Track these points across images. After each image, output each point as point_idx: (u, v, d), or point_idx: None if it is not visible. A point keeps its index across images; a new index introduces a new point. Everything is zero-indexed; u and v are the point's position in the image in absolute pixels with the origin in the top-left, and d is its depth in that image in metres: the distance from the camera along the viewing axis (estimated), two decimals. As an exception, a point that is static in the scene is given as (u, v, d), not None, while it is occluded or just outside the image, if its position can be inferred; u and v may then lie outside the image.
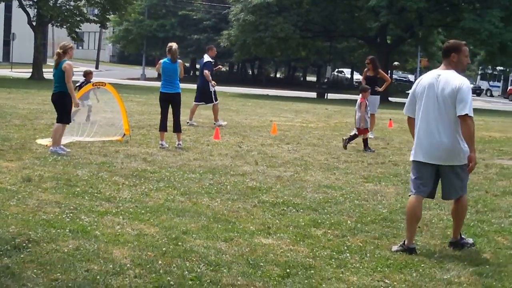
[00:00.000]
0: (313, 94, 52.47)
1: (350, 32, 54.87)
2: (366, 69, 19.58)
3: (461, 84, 7.43)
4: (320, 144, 17.22)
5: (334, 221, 8.64)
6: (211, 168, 12.18)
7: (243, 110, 28.63)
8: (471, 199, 10.60)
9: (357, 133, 16.50)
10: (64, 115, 13.47)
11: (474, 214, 9.58)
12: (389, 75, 59.78)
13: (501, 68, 58.07)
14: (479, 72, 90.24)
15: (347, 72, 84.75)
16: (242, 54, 55.59)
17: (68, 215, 8.17)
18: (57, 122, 13.50)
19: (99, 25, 60.01)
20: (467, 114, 7.30)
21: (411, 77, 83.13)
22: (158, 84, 17.96)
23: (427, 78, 7.75)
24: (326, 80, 63.76)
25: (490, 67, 78.16)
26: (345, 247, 7.49)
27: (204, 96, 21.30)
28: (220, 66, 22.77)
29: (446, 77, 7.53)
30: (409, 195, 7.88)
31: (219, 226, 8.06)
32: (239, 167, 12.56)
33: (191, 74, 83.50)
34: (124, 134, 15.44)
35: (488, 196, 10.98)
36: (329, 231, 8.16)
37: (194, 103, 21.46)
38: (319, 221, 8.60)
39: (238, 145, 16.03)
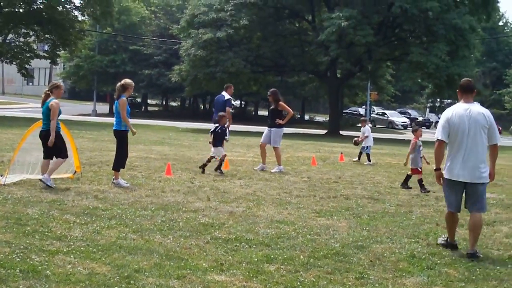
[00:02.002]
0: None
1: (301, 66, 55.25)
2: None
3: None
4: (272, 178, 17.26)
5: (287, 256, 8.64)
6: (163, 205, 12.13)
7: (195, 145, 28.60)
8: (422, 232, 10.73)
9: (410, 173, 16.51)
10: (61, 151, 14.07)
11: (425, 247, 9.66)
12: (339, 108, 60.56)
13: (449, 100, 58.90)
14: (428, 105, 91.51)
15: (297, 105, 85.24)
16: (194, 89, 55.60)
17: (18, 254, 8.05)
18: (56, 157, 14.06)
19: (50, 61, 59.74)
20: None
21: (361, 111, 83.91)
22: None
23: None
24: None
25: (438, 100, 79.38)
26: (298, 283, 7.50)
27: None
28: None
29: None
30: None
31: (172, 263, 8.01)
32: (191, 203, 12.53)
33: (142, 109, 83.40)
34: (75, 171, 15.30)
35: (439, 228, 11.09)
36: (282, 266, 8.15)
37: None
38: (272, 256, 8.59)
39: (190, 181, 15.99)
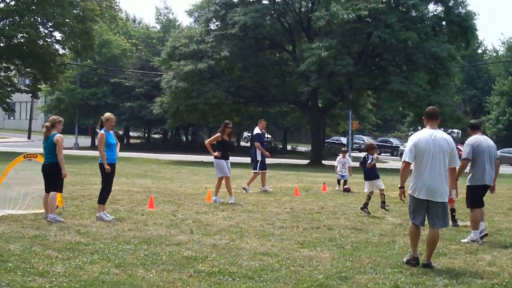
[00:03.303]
0: (247, 159, 52.63)
1: (282, 96, 55.40)
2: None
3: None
4: (255, 210, 17.25)
5: (271, 289, 8.64)
6: (146, 238, 12.09)
7: (177, 177, 28.56)
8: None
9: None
10: (58, 184, 14.50)
11: (409, 277, 9.66)
12: (321, 138, 60.72)
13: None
14: (409, 133, 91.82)
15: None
16: (175, 121, 55.60)
17: (0, 292, 8.01)
18: (50, 191, 14.41)
19: (31, 95, 59.67)
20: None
21: (343, 140, 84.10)
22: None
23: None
24: (259, 144, 64.03)
25: (419, 128, 79.72)
26: (282, 316, 7.48)
27: (254, 163, 23.78)
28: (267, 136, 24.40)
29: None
30: None
31: (155, 298, 7.99)
32: (174, 236, 12.50)
33: (124, 142, 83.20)
34: (57, 206, 15.24)
35: (421, 258, 11.08)
36: (265, 299, 8.15)
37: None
38: (256, 289, 8.58)
39: (173, 213, 15.96)
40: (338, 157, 25.73)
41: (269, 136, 71.44)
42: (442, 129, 55.79)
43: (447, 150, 10.53)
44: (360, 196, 22.34)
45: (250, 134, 79.72)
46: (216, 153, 19.37)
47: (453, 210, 15.17)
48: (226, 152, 19.64)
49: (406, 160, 10.64)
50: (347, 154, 25.99)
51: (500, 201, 21.92)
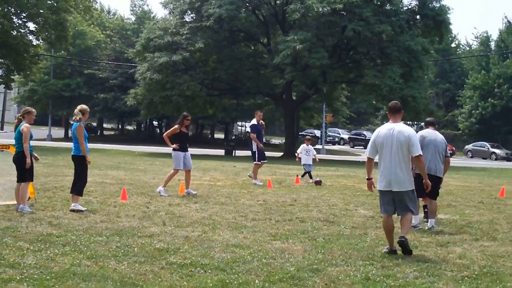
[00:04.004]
0: (221, 152, 52.68)
1: (256, 89, 55.42)
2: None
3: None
4: (228, 202, 17.26)
5: (242, 281, 8.63)
6: (118, 230, 12.06)
7: (150, 169, 28.51)
8: (376, 254, 10.79)
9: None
10: (26, 174, 14.43)
11: (380, 269, 9.71)
12: (295, 131, 60.81)
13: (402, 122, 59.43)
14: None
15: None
16: (149, 112, 55.33)
17: (-30, 283, 7.97)
18: (18, 181, 14.45)
19: (4, 86, 59.20)
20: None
21: (317, 133, 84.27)
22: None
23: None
24: (234, 137, 64.14)
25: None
26: (253, 307, 7.51)
27: (252, 155, 24.09)
28: (262, 124, 24.37)
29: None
30: None
31: (126, 290, 7.99)
32: (146, 228, 12.48)
33: (98, 134, 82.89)
34: (29, 198, 15.16)
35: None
36: (237, 291, 8.17)
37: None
38: (227, 281, 8.57)
39: (145, 205, 15.93)
40: (302, 145, 25.91)
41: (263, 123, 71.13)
42: (415, 122, 56.40)
43: (405, 141, 10.90)
44: (332, 189, 22.45)
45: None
46: (174, 145, 19.16)
47: (425, 207, 15.30)
48: (185, 144, 19.41)
49: (367, 155, 11.33)
50: (311, 142, 26.27)
51: (471, 195, 22.09)
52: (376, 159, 11.29)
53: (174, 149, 19.14)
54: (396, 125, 11.16)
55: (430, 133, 14.34)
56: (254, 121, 24.21)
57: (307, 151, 25.49)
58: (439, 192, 14.67)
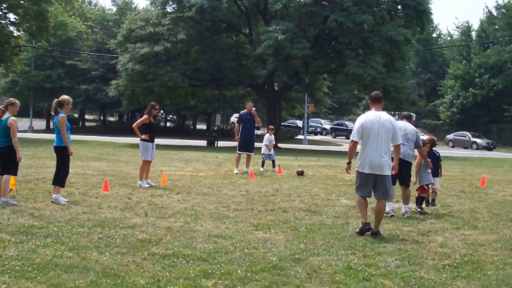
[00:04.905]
0: (204, 142, 52.65)
1: (238, 79, 55.34)
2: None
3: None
4: (211, 193, 17.26)
5: (224, 271, 8.65)
6: (100, 221, 12.04)
7: (132, 160, 28.43)
8: (358, 243, 10.84)
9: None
10: (11, 167, 14.24)
11: (361, 258, 9.76)
12: (277, 121, 60.85)
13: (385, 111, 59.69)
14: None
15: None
16: (131, 103, 55.05)
17: (-49, 275, 7.94)
18: (3, 173, 14.17)
19: (-15, 77, 58.99)
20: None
21: (299, 123, 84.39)
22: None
23: None
24: (216, 128, 64.10)
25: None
26: (236, 297, 7.52)
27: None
28: (257, 117, 24.40)
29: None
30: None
31: (108, 281, 7.96)
32: (128, 219, 12.46)
33: (80, 125, 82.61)
34: (11, 189, 15.08)
35: (376, 240, 11.21)
36: (219, 281, 8.16)
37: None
38: (210, 271, 8.59)
39: (127, 196, 15.91)
40: (266, 135, 25.95)
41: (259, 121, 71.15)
42: (397, 112, 56.48)
43: (390, 129, 11.67)
44: (315, 179, 22.49)
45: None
46: (144, 136, 18.95)
47: (421, 197, 15.42)
48: (153, 135, 19.28)
49: (354, 139, 11.79)
50: (274, 132, 26.53)
51: (453, 184, 22.21)
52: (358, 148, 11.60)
53: (144, 140, 18.92)
54: (380, 113, 11.87)
55: (400, 123, 14.40)
56: (243, 111, 24.61)
57: (270, 141, 25.57)
58: (411, 179, 14.99)
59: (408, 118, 15.54)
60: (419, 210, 15.07)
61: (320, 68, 51.90)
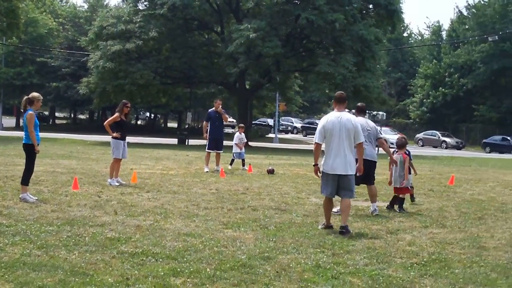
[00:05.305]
0: (174, 141, 52.52)
1: (210, 78, 55.33)
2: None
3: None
4: (181, 191, 17.24)
5: (194, 269, 8.65)
6: (69, 220, 11.98)
7: (103, 158, 28.31)
8: (327, 241, 10.88)
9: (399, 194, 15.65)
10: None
11: (330, 256, 9.79)
12: (248, 120, 60.87)
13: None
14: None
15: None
16: (102, 101, 54.77)
17: None
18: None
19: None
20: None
21: (270, 122, 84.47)
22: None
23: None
24: (187, 126, 64.00)
25: (346, 110, 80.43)
26: (204, 296, 7.52)
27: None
28: (225, 115, 24.40)
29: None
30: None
31: (77, 279, 7.93)
32: (98, 217, 12.41)
33: (50, 123, 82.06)
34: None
35: (345, 238, 11.26)
36: (188, 279, 8.16)
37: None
38: (179, 270, 8.59)
39: (97, 194, 15.84)
40: (236, 134, 25.97)
41: (233, 120, 70.93)
42: (367, 111, 56.76)
43: (352, 128, 11.86)
44: (285, 178, 22.54)
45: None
46: (115, 134, 18.88)
47: (395, 198, 15.48)
48: (124, 133, 19.21)
49: (316, 141, 12.08)
50: (244, 130, 26.58)
51: (422, 182, 22.36)
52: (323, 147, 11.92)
53: (115, 138, 18.85)
54: (342, 114, 12.07)
55: (362, 121, 14.39)
56: (211, 110, 24.55)
57: (240, 140, 25.59)
58: (374, 177, 15.11)
59: (363, 112, 15.41)
60: (402, 211, 15.08)
61: (292, 67, 52.01)
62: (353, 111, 16.10)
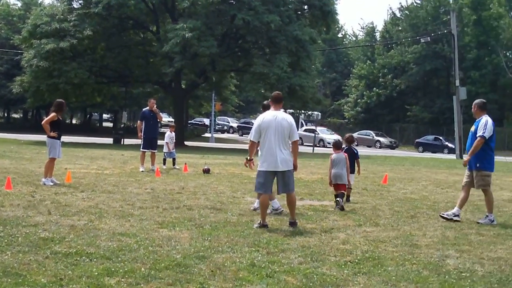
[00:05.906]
0: (110, 140, 52.14)
1: (145, 77, 55.10)
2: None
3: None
4: (116, 191, 17.15)
5: (128, 269, 8.62)
6: (2, 220, 11.81)
7: (37, 158, 27.96)
8: (262, 240, 10.94)
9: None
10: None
11: (265, 255, 9.83)
12: (184, 119, 60.76)
13: (291, 110, 60.21)
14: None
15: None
16: (36, 100, 54.07)
17: None
18: None
19: None
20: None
21: (206, 121, 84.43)
22: None
23: None
24: (122, 125, 63.59)
25: (282, 109, 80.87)
26: (139, 295, 7.52)
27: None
28: (160, 114, 24.27)
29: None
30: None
31: (9, 280, 7.84)
32: (31, 217, 12.28)
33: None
34: None
35: (280, 237, 11.34)
36: (122, 279, 8.13)
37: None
38: (113, 269, 8.54)
39: (31, 194, 15.66)
40: (167, 133, 26.02)
41: (172, 120, 70.55)
42: (303, 110, 57.18)
43: (287, 127, 12.26)
44: (220, 177, 22.59)
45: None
46: (53, 133, 18.71)
47: (336, 196, 15.57)
48: (61, 132, 19.07)
49: (251, 139, 12.61)
50: (175, 129, 26.75)
51: (356, 181, 22.48)
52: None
53: (52, 137, 18.66)
54: (278, 113, 12.48)
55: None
56: (145, 109, 24.62)
57: (171, 139, 25.65)
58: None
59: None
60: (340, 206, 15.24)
61: (227, 67, 52.07)
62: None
